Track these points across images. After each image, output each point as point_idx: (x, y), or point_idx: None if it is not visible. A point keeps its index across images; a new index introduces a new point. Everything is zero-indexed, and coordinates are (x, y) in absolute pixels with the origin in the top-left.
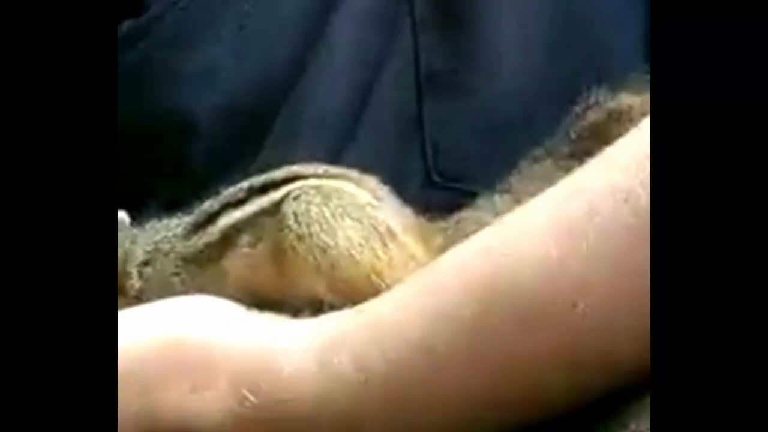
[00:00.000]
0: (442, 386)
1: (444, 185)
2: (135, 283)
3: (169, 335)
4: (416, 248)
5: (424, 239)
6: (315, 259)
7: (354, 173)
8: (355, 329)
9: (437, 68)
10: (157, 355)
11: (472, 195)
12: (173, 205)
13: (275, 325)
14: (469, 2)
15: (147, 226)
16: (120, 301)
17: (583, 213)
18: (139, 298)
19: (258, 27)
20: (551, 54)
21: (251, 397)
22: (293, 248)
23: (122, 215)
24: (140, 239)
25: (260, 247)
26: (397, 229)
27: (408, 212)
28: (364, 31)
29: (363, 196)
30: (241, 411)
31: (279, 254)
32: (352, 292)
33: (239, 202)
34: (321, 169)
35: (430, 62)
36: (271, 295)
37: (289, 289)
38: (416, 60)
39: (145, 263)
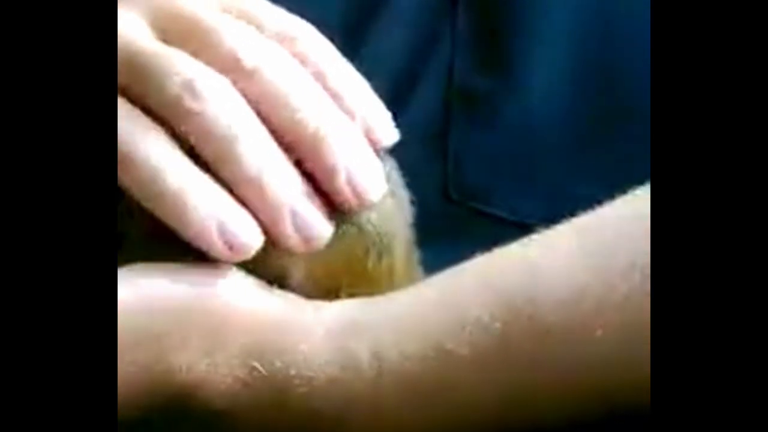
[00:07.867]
0: (455, 388)
1: (459, 201)
2: None
3: (192, 297)
4: (399, 268)
5: (408, 258)
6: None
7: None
8: (377, 319)
9: (470, 86)
10: (178, 316)
11: (484, 215)
12: None
13: (297, 303)
14: (512, 31)
15: None
16: None
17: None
18: None
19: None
20: (583, 96)
21: (262, 370)
22: None
23: None
24: None
25: None
26: (401, 251)
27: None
28: (406, 34)
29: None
30: (248, 381)
31: None
32: (322, 292)
33: None
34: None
35: (464, 79)
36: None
37: (267, 258)
38: (450, 74)
39: None
